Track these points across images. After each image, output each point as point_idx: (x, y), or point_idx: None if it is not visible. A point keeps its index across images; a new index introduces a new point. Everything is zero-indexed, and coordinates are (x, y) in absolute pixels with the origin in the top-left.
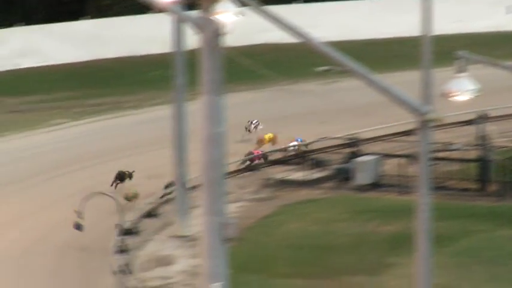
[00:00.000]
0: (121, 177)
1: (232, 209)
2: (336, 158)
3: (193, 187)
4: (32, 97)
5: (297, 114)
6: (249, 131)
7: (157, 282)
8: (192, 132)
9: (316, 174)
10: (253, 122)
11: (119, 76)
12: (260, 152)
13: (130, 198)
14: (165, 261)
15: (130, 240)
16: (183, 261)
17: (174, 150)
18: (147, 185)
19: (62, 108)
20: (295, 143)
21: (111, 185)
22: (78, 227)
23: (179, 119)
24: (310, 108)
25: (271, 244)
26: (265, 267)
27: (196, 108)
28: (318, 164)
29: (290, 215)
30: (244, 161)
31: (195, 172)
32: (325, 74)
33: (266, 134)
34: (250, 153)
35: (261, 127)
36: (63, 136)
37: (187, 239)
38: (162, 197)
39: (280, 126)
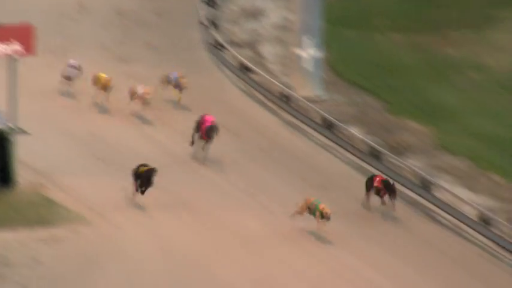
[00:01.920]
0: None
1: None
2: None
3: None
4: None
5: None
6: (172, 84)
7: (246, 36)
8: None
9: None
10: (171, 76)
11: None
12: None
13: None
14: (254, 13)
15: None
16: (275, 14)
17: None
18: None
19: None
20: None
21: None
22: None
23: None
24: None
25: None
26: (363, 21)
27: None
28: None
29: None
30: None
31: None
32: None
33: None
34: None
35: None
36: None
37: None
38: None
39: None
